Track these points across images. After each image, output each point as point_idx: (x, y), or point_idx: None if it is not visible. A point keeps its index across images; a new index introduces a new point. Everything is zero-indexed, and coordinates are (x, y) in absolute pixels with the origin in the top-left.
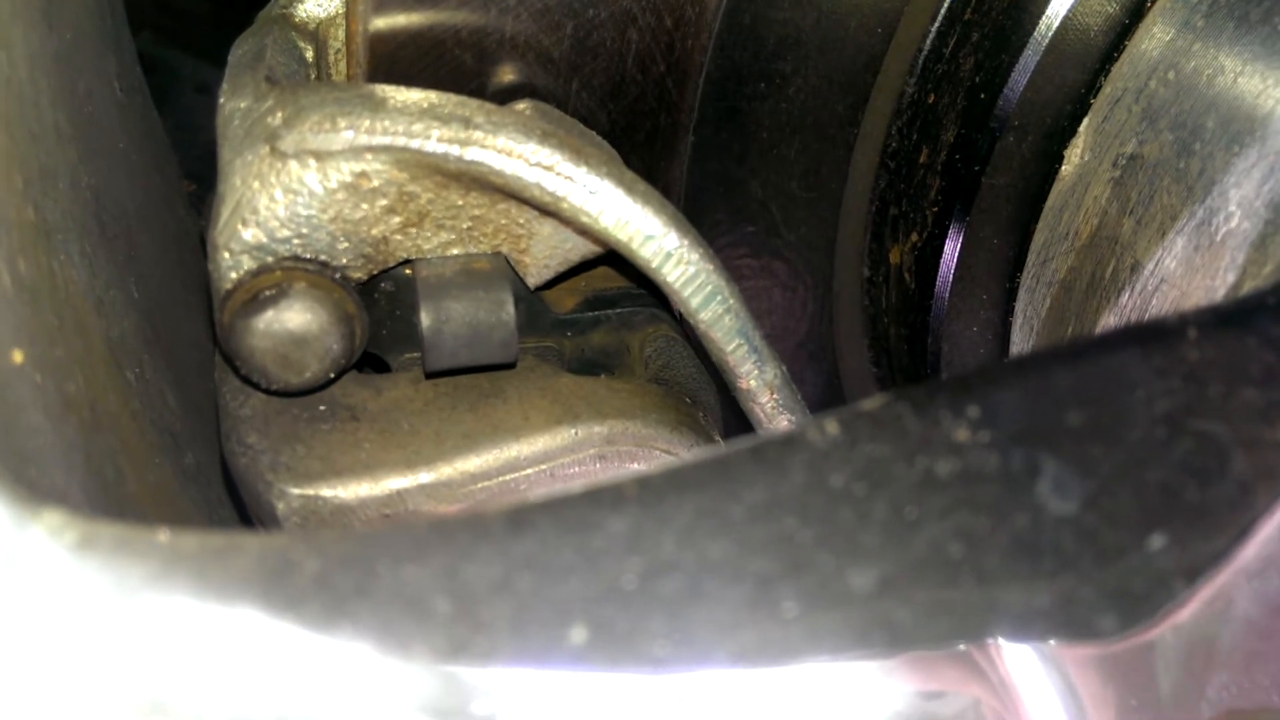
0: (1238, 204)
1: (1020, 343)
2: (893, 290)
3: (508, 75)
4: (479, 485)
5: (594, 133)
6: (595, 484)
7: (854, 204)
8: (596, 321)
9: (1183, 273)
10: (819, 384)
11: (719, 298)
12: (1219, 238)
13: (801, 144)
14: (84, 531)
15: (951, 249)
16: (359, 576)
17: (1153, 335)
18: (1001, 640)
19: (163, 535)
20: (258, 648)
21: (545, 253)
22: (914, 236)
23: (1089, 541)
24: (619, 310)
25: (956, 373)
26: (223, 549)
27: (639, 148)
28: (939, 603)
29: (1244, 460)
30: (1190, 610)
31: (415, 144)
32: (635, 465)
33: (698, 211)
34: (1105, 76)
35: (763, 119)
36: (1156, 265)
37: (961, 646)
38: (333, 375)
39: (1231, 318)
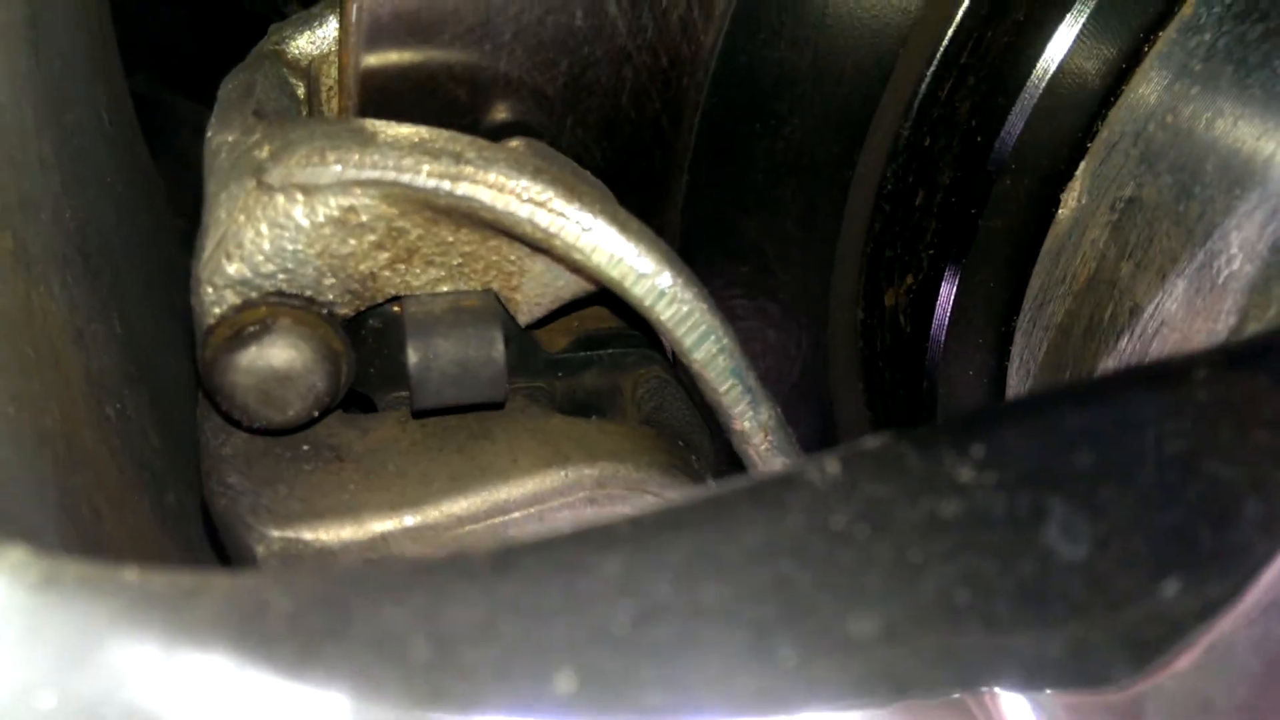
0: (1239, 246)
1: (1017, 387)
2: (888, 333)
3: (501, 112)
4: (466, 528)
5: (587, 171)
6: (585, 524)
7: (849, 246)
8: (588, 362)
9: (1183, 316)
10: (813, 427)
11: (713, 338)
12: (1220, 280)
13: (797, 184)
14: (47, 570)
15: (947, 292)
16: (334, 618)
17: (1162, 375)
18: (998, 689)
19: (130, 574)
20: (227, 695)
21: (537, 290)
22: (909, 279)
23: (1100, 588)
24: (611, 351)
25: (959, 412)
26: (193, 589)
27: (633, 186)
28: (945, 651)
29: (1257, 504)
30: (1190, 658)
31: (405, 179)
32: (626, 509)
33: (692, 251)
34: (1103, 121)
35: (758, 159)
36: (1156, 308)
37: (956, 695)
38: (316, 414)
39: (1242, 358)
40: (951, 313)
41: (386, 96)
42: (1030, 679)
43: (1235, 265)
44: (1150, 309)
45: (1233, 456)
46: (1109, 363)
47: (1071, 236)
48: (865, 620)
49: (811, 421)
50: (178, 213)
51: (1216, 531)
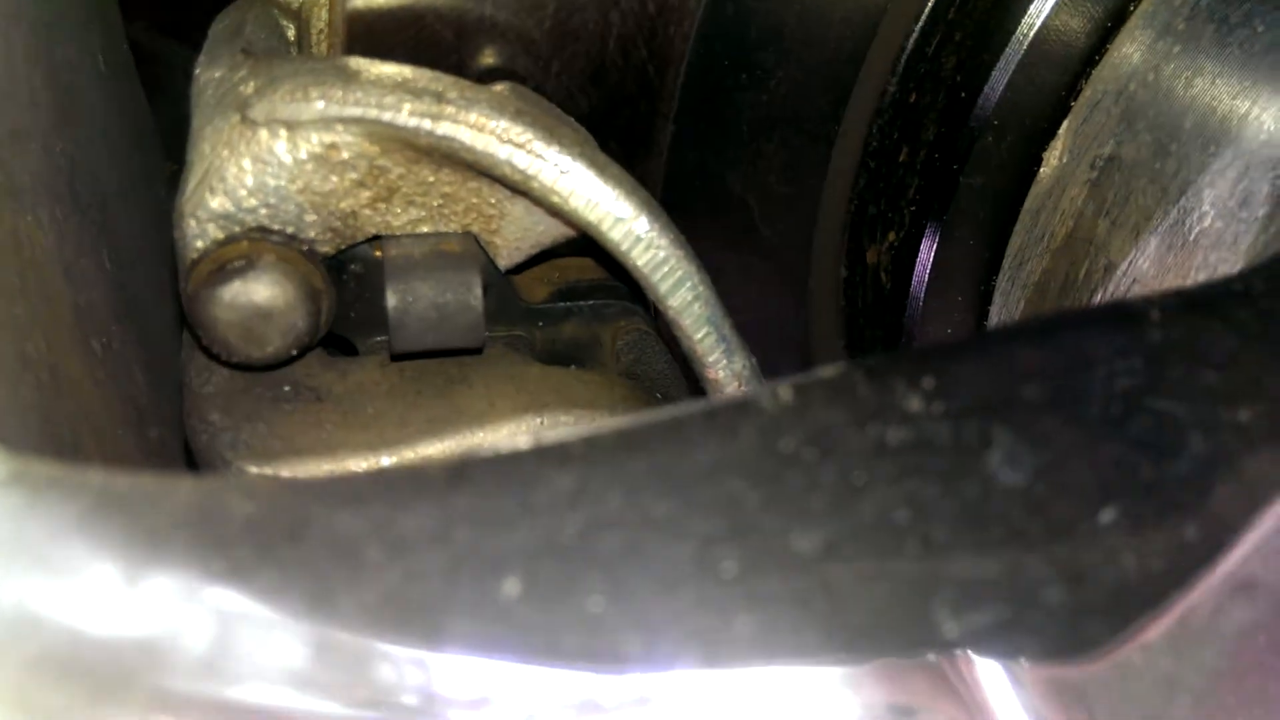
0: (1211, 204)
1: None
2: (869, 290)
3: (487, 57)
4: None
5: (571, 118)
6: (542, 441)
7: (833, 202)
8: (568, 313)
9: (1155, 273)
10: None
11: (688, 284)
12: (1192, 237)
13: (781, 138)
14: (15, 468)
15: (927, 250)
16: (292, 522)
17: (1116, 316)
18: (973, 655)
19: (96, 475)
20: (185, 601)
21: (516, 234)
22: (891, 236)
23: (1038, 512)
24: (591, 302)
25: (914, 346)
26: (155, 490)
27: (618, 134)
28: (883, 567)
29: (1200, 440)
30: (1160, 629)
31: (387, 116)
32: None
33: (675, 201)
34: (1086, 79)
35: (743, 111)
36: (1129, 266)
37: (931, 657)
38: (295, 352)
39: (1196, 302)
40: (931, 270)
41: (373, 37)
42: (967, 599)
43: (1206, 222)
44: (1124, 266)
45: (1180, 395)
46: None
47: (1052, 195)
48: (806, 537)
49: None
50: (173, 159)
51: (1157, 464)
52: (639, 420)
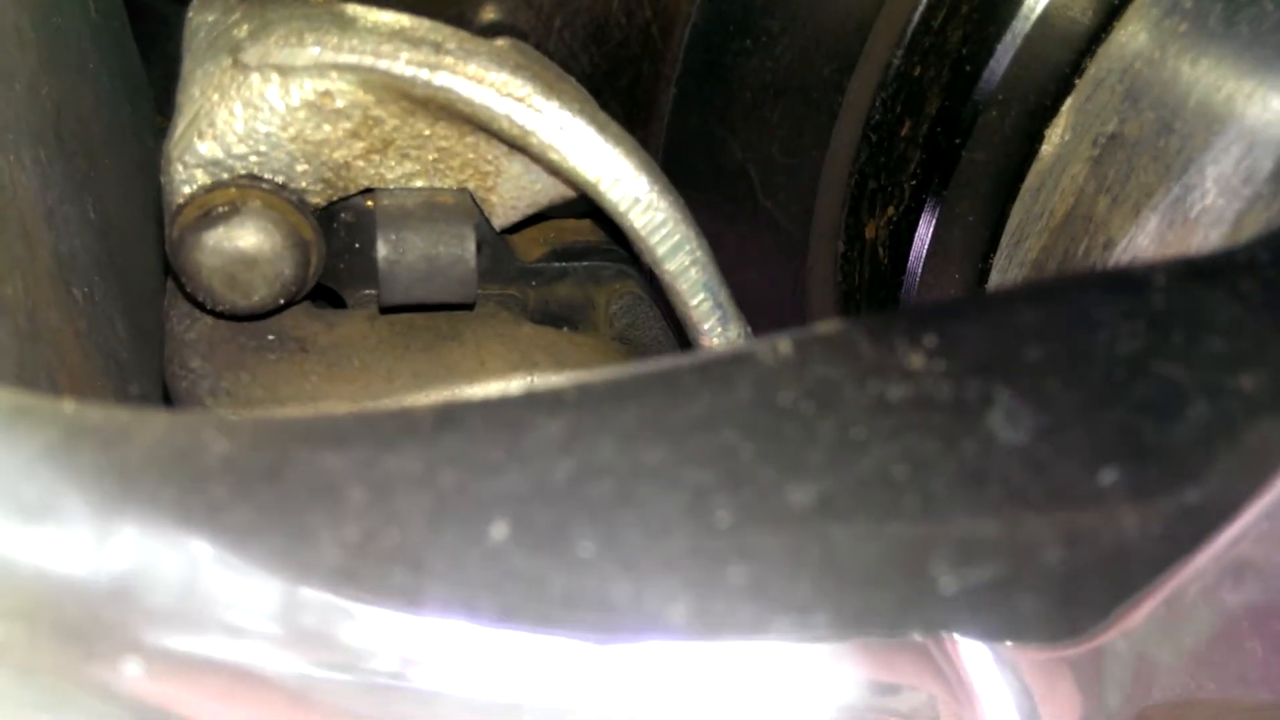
0: (1214, 181)
1: None
2: (866, 265)
3: (489, 12)
4: None
5: (571, 77)
6: (534, 387)
7: (834, 174)
8: (563, 273)
9: (1155, 250)
10: None
11: (686, 248)
12: (1193, 215)
13: (785, 107)
14: None
15: (926, 225)
16: (271, 460)
17: (1121, 280)
18: (958, 636)
19: (68, 406)
20: (156, 542)
21: (513, 193)
22: (890, 211)
23: (1038, 472)
24: (586, 264)
25: (916, 305)
26: (130, 423)
27: (619, 95)
28: (879, 523)
29: (1203, 405)
30: (1146, 612)
31: (383, 65)
32: None
33: (675, 166)
34: (1091, 56)
35: (747, 77)
36: (1129, 243)
37: (917, 636)
38: (282, 301)
39: (1201, 270)
40: (929, 246)
41: None
42: (964, 557)
43: (1208, 200)
44: (1123, 243)
45: (1183, 360)
46: None
47: (1053, 172)
48: (802, 490)
49: None
50: (164, 113)
51: (1159, 427)
52: (633, 370)
